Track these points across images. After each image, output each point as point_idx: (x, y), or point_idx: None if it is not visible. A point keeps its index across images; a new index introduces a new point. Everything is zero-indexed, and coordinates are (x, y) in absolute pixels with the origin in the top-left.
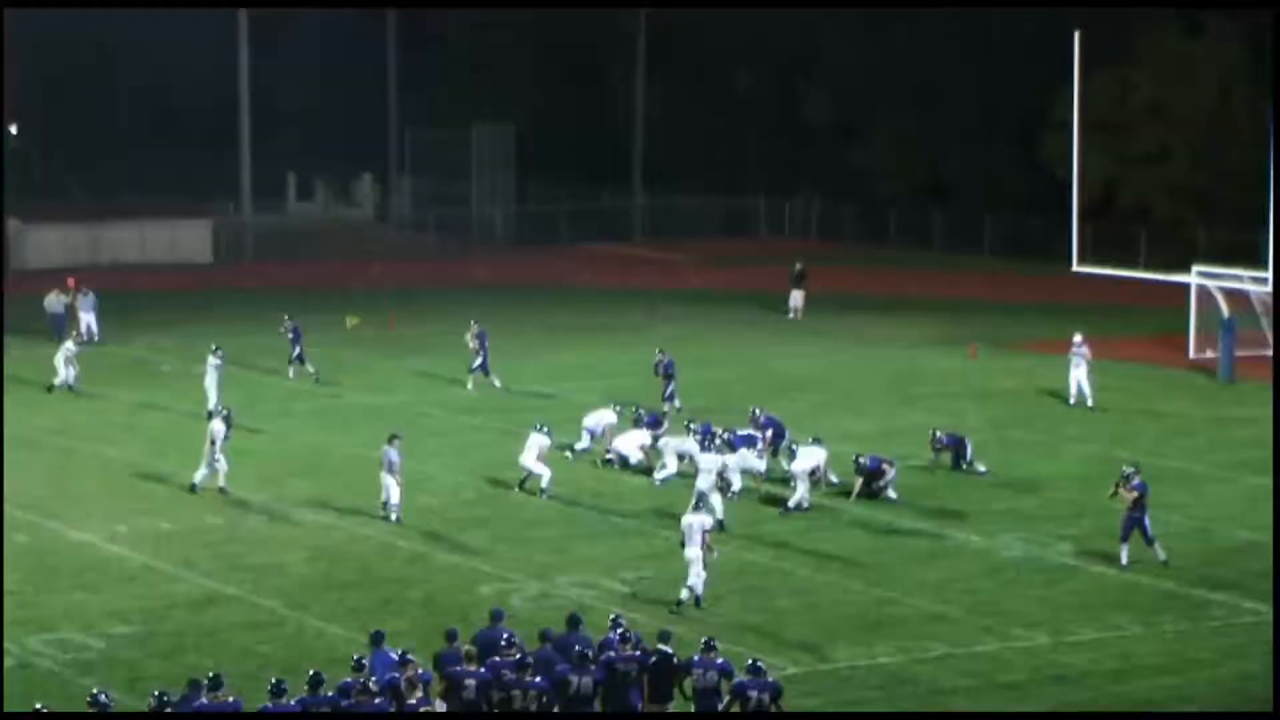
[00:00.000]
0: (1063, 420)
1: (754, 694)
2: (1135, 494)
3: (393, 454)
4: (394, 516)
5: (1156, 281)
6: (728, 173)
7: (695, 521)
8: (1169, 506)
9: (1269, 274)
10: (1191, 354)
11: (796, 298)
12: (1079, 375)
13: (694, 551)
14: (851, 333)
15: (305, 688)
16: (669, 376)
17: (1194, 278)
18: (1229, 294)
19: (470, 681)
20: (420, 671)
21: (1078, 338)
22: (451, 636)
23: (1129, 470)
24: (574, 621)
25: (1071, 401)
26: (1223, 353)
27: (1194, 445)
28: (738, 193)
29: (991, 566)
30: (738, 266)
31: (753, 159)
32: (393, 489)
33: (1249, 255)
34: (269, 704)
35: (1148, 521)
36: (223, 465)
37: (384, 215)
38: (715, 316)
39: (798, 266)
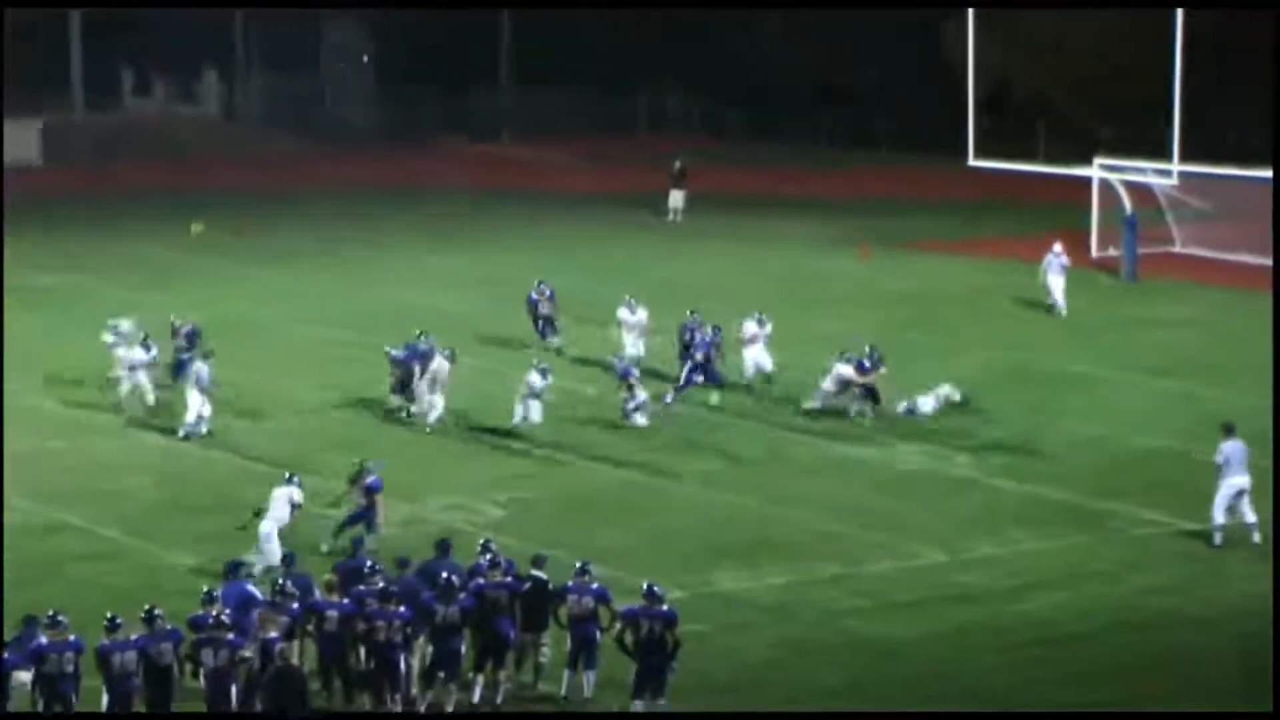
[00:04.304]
0: (960, 324)
1: (646, 621)
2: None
3: (204, 370)
4: (204, 429)
5: (1057, 176)
6: (603, 67)
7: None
8: (1069, 413)
9: (1174, 166)
10: (1094, 252)
11: (676, 198)
12: (1057, 284)
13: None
14: (736, 235)
15: (142, 624)
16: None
17: (1096, 171)
18: (1132, 188)
19: (332, 613)
20: (294, 606)
21: (1058, 246)
22: (289, 560)
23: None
24: (443, 547)
25: (1063, 312)
26: (1126, 250)
27: (1096, 347)
28: (614, 89)
29: (886, 481)
30: (615, 166)
31: (630, 53)
32: (202, 406)
33: (1152, 149)
34: (105, 640)
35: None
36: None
37: (230, 113)
38: (592, 220)
39: (677, 165)
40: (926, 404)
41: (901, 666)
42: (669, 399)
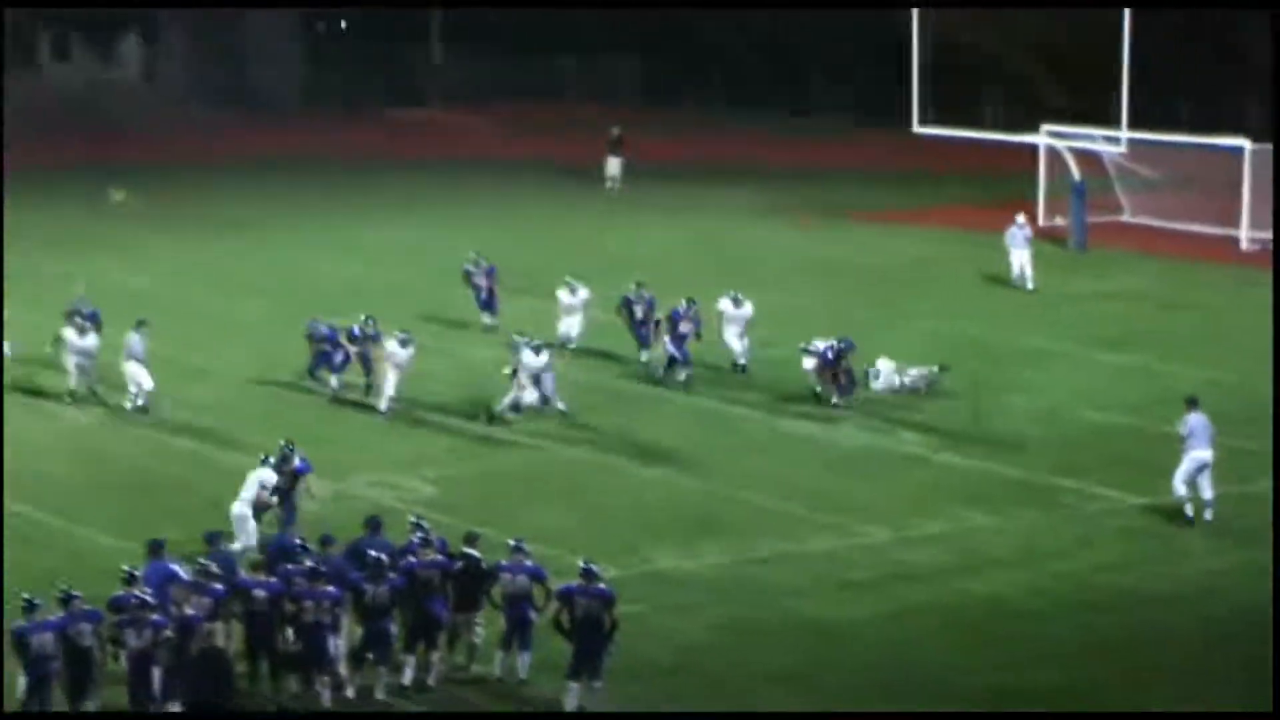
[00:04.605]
0: (906, 296)
1: (582, 600)
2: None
3: (137, 341)
4: (141, 401)
5: (1003, 143)
6: (534, 31)
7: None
8: (1019, 387)
9: (1123, 134)
10: (1041, 221)
11: (613, 165)
12: (1022, 257)
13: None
14: (676, 205)
15: (57, 606)
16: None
17: (1043, 138)
18: (1080, 156)
19: (260, 593)
20: (219, 587)
21: (1021, 218)
22: (211, 539)
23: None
24: (373, 525)
25: (1022, 285)
26: (1074, 219)
27: (1044, 320)
28: (546, 52)
29: (832, 458)
30: (548, 133)
31: (563, 15)
32: (142, 377)
33: (1101, 116)
34: (21, 622)
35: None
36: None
37: (151, 77)
38: (527, 190)
39: (614, 132)
40: (907, 376)
41: (847, 648)
42: (659, 372)
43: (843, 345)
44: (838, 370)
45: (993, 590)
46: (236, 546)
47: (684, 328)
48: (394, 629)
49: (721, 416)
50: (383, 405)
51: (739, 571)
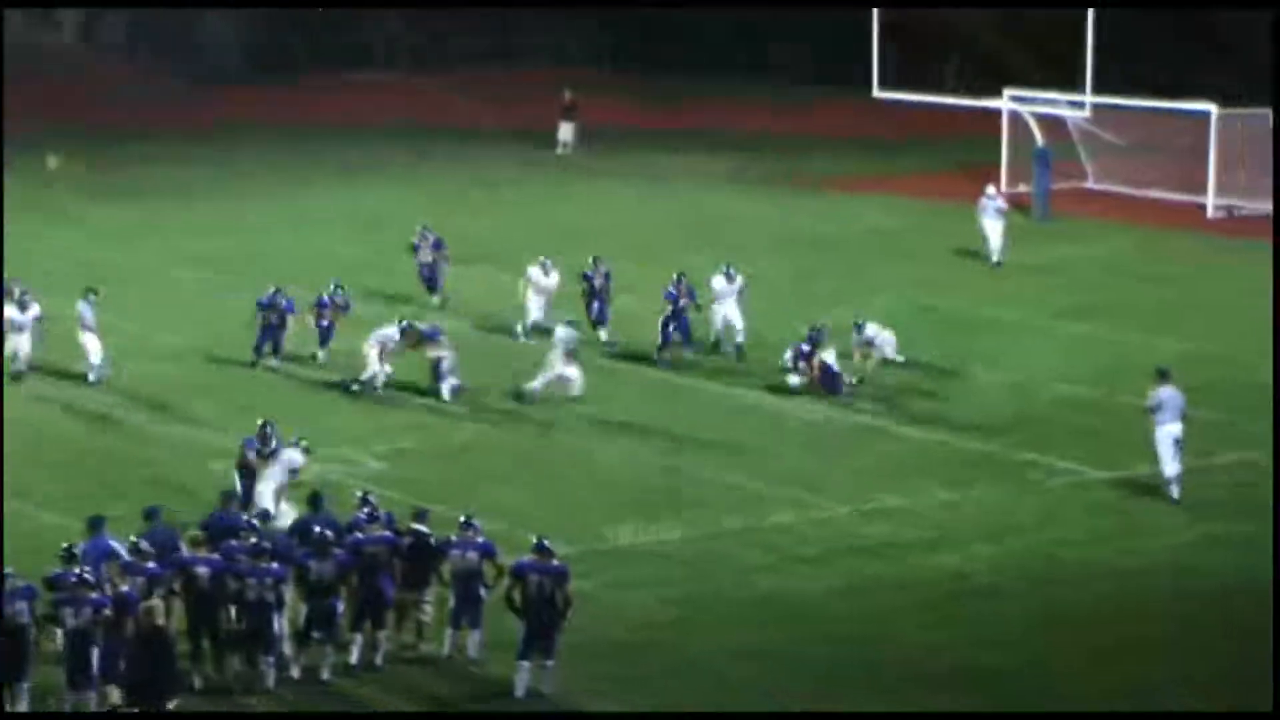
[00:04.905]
0: (865, 266)
1: (535, 577)
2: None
3: (87, 310)
4: (92, 376)
5: (965, 108)
6: None
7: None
8: (980, 358)
9: (1087, 98)
10: (1004, 188)
11: (566, 131)
12: (994, 230)
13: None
14: (631, 172)
15: None
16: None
17: (1006, 103)
18: (1044, 121)
19: (202, 570)
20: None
21: (991, 189)
22: (150, 514)
23: None
24: (315, 502)
25: (994, 260)
26: (1037, 186)
27: (1007, 290)
28: (500, 15)
29: (789, 430)
30: (502, 98)
31: None
32: (93, 347)
33: (1065, 80)
34: None
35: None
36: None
37: (89, 38)
38: (477, 156)
39: (567, 96)
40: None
41: (808, 624)
42: (666, 363)
43: (814, 335)
44: (812, 366)
45: (955, 566)
46: (282, 523)
47: (682, 303)
48: (340, 607)
49: (679, 390)
50: (377, 379)
51: (697, 547)
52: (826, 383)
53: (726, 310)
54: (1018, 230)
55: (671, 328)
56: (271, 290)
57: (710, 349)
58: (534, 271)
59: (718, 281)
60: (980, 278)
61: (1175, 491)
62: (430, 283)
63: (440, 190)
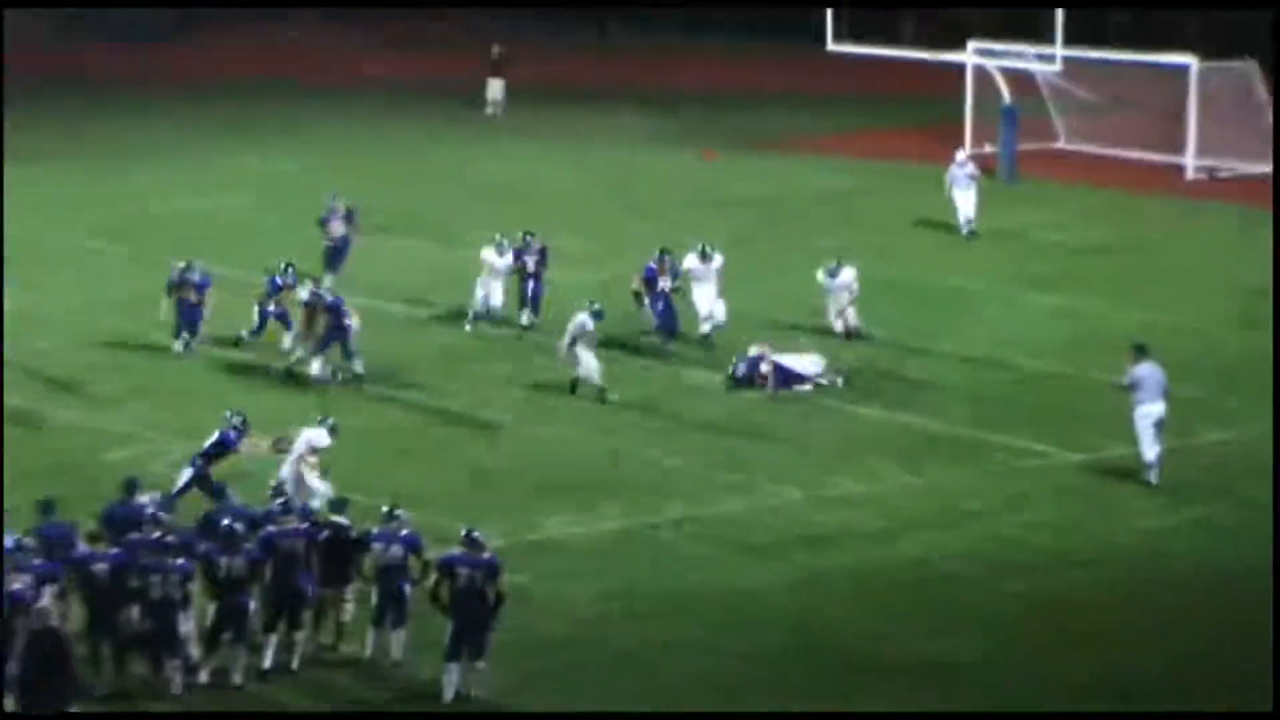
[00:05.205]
0: (817, 232)
1: (465, 571)
2: None
3: None
4: None
5: (926, 63)
6: None
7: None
8: (942, 333)
9: (1057, 50)
10: (968, 148)
11: (495, 88)
12: (965, 200)
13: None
14: (565, 132)
15: None
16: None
17: (970, 57)
18: (1011, 76)
19: (100, 566)
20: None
21: (960, 155)
22: (47, 508)
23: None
24: (218, 491)
25: (964, 231)
26: (1003, 146)
27: (971, 258)
28: None
29: (735, 409)
30: (427, 52)
31: None
32: None
33: (1033, 31)
34: None
35: None
36: None
37: None
38: (399, 114)
39: (496, 51)
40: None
41: (753, 619)
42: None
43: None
44: (765, 376)
45: (916, 554)
46: (315, 503)
47: (663, 284)
48: (252, 605)
49: (620, 369)
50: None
51: (638, 537)
52: (787, 384)
53: (706, 297)
54: (985, 193)
55: (656, 310)
56: (181, 266)
57: (701, 341)
58: (487, 254)
59: (691, 261)
60: (940, 245)
61: (1154, 476)
62: (335, 259)
63: (355, 153)
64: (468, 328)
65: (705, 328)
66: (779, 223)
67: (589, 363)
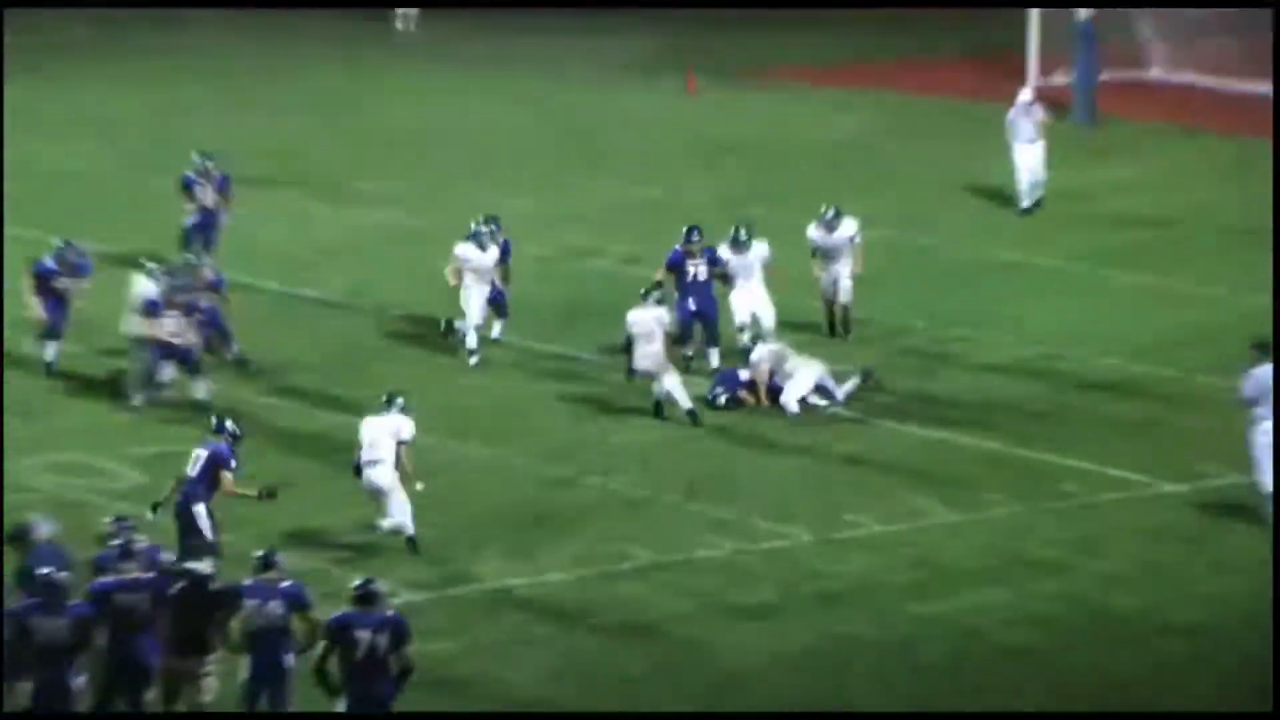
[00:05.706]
0: (825, 187)
1: (365, 635)
2: None
3: None
4: None
5: None
6: None
7: None
8: (991, 323)
9: None
10: (1033, 80)
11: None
12: (1029, 158)
13: None
14: (496, 57)
15: None
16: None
17: None
18: None
19: None
20: None
21: (1026, 93)
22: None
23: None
24: (20, 532)
25: (1026, 203)
26: (1079, 78)
27: (1030, 225)
28: None
29: (717, 426)
30: None
31: None
32: None
33: None
34: None
35: None
36: None
37: None
38: (285, 35)
39: None
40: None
41: (746, 698)
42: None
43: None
44: (758, 396)
45: (960, 618)
46: (386, 524)
47: (693, 269)
48: (78, 680)
49: (572, 376)
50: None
51: (595, 589)
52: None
53: (747, 297)
54: (1054, 140)
55: (682, 307)
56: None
57: (743, 353)
58: (466, 249)
59: (721, 251)
60: (990, 209)
61: (1269, 508)
62: (198, 235)
63: (228, 85)
64: (472, 361)
65: (745, 338)
66: (778, 176)
67: (671, 375)
